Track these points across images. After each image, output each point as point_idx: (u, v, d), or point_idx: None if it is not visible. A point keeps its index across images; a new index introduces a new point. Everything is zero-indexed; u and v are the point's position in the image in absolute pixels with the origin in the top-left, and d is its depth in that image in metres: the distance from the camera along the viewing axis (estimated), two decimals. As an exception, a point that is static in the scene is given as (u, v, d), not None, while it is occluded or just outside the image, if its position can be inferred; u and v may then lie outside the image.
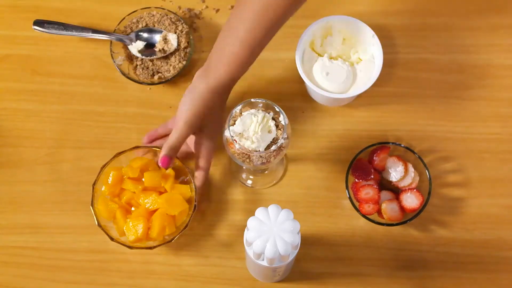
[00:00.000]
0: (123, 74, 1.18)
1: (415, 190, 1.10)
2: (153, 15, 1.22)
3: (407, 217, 1.10)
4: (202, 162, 1.09)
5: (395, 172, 1.12)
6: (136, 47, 1.20)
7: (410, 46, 1.21)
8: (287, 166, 1.16)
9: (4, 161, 1.17)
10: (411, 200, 1.10)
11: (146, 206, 1.08)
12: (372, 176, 1.11)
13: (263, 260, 0.95)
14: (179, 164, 1.10)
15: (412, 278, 1.11)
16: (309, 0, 1.24)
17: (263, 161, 1.02)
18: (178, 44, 1.20)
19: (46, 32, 1.20)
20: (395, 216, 1.10)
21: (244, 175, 1.16)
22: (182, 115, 1.04)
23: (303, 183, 1.15)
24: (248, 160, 1.01)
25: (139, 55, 1.20)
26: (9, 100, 1.20)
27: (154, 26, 1.22)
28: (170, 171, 1.10)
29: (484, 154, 1.16)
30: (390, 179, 1.12)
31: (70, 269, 1.12)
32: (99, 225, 1.07)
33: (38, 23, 1.21)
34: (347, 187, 1.11)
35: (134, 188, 1.09)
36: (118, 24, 1.20)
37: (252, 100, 1.00)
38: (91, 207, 1.08)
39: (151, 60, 1.21)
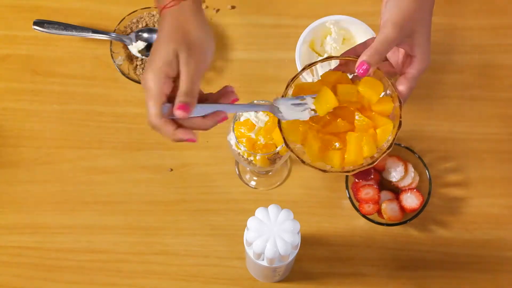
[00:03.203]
0: (123, 74, 1.18)
1: (415, 190, 1.10)
2: (153, 15, 1.22)
3: (407, 217, 1.10)
4: (409, 74, 0.90)
5: (395, 172, 1.12)
6: (136, 47, 1.20)
7: (410, 46, 1.21)
8: (291, 167, 1.16)
9: (4, 161, 1.17)
10: (411, 200, 1.10)
11: (341, 125, 0.90)
12: (372, 176, 1.11)
13: (263, 260, 0.95)
14: (380, 74, 0.89)
15: (412, 278, 1.11)
16: (309, 0, 1.24)
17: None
18: (178, 44, 1.20)
19: (46, 32, 1.20)
20: (395, 216, 1.10)
21: (248, 176, 1.16)
22: (388, 17, 0.88)
23: (303, 183, 1.15)
24: (253, 162, 1.02)
25: (139, 55, 1.20)
26: (9, 100, 1.20)
27: (154, 26, 1.22)
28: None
29: (484, 154, 1.16)
30: (390, 179, 1.12)
31: (70, 269, 1.12)
32: (287, 145, 0.89)
33: (38, 23, 1.21)
34: (347, 187, 1.11)
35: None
36: (118, 24, 1.20)
37: (255, 101, 1.00)
38: (278, 126, 0.90)
39: (151, 60, 1.21)
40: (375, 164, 0.88)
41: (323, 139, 0.90)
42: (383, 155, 0.87)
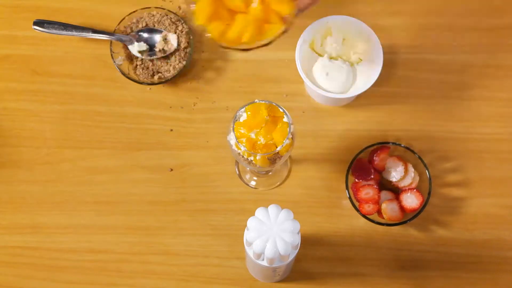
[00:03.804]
0: (123, 74, 1.18)
1: (415, 190, 1.10)
2: (153, 15, 1.22)
3: (407, 217, 1.10)
4: None
5: (395, 172, 1.12)
6: (137, 47, 1.20)
7: (410, 46, 1.21)
8: (291, 167, 1.16)
9: (4, 161, 1.17)
10: (411, 200, 1.10)
11: (237, 3, 0.93)
12: (372, 176, 1.11)
13: (263, 260, 0.95)
14: None
15: (412, 278, 1.11)
16: (309, 0, 1.24)
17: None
18: (178, 44, 1.20)
19: (46, 32, 1.20)
20: (395, 216, 1.10)
21: (248, 176, 1.16)
22: None
23: (303, 183, 1.15)
24: (253, 162, 1.02)
25: (139, 55, 1.20)
26: (9, 100, 1.20)
27: (154, 26, 1.22)
28: None
29: (484, 154, 1.16)
30: (390, 179, 1.12)
31: (70, 269, 1.12)
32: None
33: (38, 23, 1.21)
34: (347, 187, 1.11)
35: None
36: (118, 24, 1.20)
37: (256, 101, 1.00)
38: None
39: (151, 60, 1.21)
40: (248, 50, 0.93)
41: (217, 11, 0.92)
42: (255, 48, 0.91)
